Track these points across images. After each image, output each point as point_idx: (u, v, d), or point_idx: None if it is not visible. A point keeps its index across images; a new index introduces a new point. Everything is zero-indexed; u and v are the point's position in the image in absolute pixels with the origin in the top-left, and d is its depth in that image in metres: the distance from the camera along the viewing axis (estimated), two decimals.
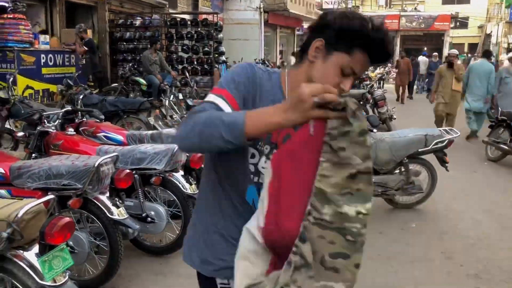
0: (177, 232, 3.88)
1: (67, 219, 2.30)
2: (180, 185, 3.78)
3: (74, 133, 4.21)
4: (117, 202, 3.27)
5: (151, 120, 7.01)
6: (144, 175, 3.74)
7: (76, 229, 3.17)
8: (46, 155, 4.02)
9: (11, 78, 6.73)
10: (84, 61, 10.43)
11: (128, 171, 3.44)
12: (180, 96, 9.30)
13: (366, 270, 3.64)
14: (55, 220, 2.25)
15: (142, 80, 10.59)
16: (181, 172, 3.86)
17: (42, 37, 9.66)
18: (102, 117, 4.88)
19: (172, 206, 3.86)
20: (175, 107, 5.86)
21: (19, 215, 2.12)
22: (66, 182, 3.09)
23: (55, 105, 7.95)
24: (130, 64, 12.05)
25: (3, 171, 3.24)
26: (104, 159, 3.15)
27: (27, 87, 8.92)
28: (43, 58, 9.36)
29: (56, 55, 9.76)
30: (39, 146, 4.07)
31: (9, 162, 3.32)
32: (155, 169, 3.70)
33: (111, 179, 3.27)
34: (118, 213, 3.19)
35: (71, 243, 3.09)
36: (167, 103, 5.76)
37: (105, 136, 4.59)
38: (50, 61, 9.58)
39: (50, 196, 2.30)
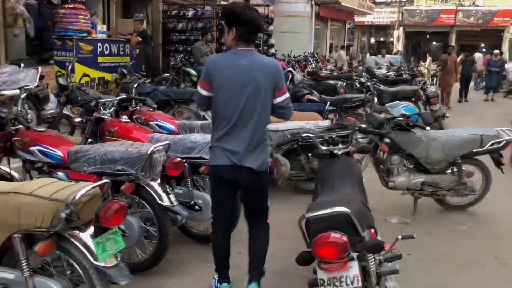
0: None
1: (120, 203, 2.35)
2: None
3: (128, 120, 4.34)
4: (168, 189, 3.35)
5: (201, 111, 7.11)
6: (194, 164, 3.81)
7: (128, 214, 3.29)
8: (101, 141, 4.18)
9: (70, 66, 7.01)
10: (137, 51, 10.72)
11: (179, 159, 3.52)
12: None
13: (414, 270, 3.58)
14: (110, 204, 2.31)
15: (192, 71, 10.75)
16: None
17: (99, 27, 10.00)
18: (155, 106, 5.01)
19: None
20: None
21: (77, 197, 2.21)
22: (120, 167, 3.20)
23: (109, 93, 8.22)
24: (182, 55, 12.25)
25: (61, 155, 3.40)
26: (156, 146, 3.23)
27: (84, 74, 9.27)
28: (99, 47, 9.69)
29: (111, 44, 10.09)
30: (94, 132, 4.23)
31: (67, 146, 3.48)
32: (204, 158, 3.75)
33: (163, 167, 3.35)
34: (168, 200, 3.27)
35: (122, 226, 3.20)
36: None
37: (157, 125, 4.71)
38: (106, 50, 9.91)
39: (105, 181, 2.39)
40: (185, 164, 3.78)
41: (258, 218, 3.08)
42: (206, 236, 3.99)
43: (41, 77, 6.00)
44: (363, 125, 4.22)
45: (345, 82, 9.88)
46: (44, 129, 3.62)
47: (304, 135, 3.32)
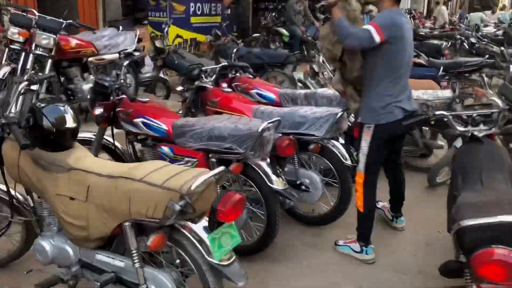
0: (331, 204, 3.60)
1: (238, 196, 2.10)
2: (339, 155, 3.46)
3: (230, 90, 4.08)
4: (278, 171, 3.06)
5: (296, 75, 6.72)
6: (301, 141, 3.48)
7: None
8: (202, 112, 3.97)
9: (166, 28, 6.88)
10: (229, 11, 10.42)
11: (291, 138, 3.19)
12: None
13: None
14: (227, 196, 2.07)
15: (284, 31, 10.30)
16: (342, 141, 3.53)
17: None
18: (255, 74, 4.69)
19: (328, 176, 3.57)
20: (325, 62, 5.47)
21: (192, 188, 1.96)
22: (228, 145, 2.95)
23: (202, 55, 8.06)
24: (273, 14, 11.78)
25: (166, 128, 3.21)
26: (267, 124, 2.92)
27: (177, 36, 9.18)
28: (192, 6, 9.51)
29: (204, 4, 9.86)
30: (196, 101, 4.03)
31: (172, 118, 3.28)
32: (313, 135, 3.41)
33: (273, 146, 3.04)
34: (278, 183, 2.99)
35: None
36: (320, 59, 5.36)
37: (257, 93, 4.40)
38: (198, 10, 9.72)
39: (221, 168, 2.12)
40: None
41: (397, 159, 3.48)
42: (312, 219, 3.70)
43: (139, 40, 5.90)
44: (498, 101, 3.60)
45: (449, 43, 8.92)
46: (147, 99, 3.44)
47: (437, 113, 2.82)
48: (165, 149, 3.20)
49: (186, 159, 3.09)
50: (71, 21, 4.67)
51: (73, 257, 2.39)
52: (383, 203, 3.72)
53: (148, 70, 6.75)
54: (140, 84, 6.39)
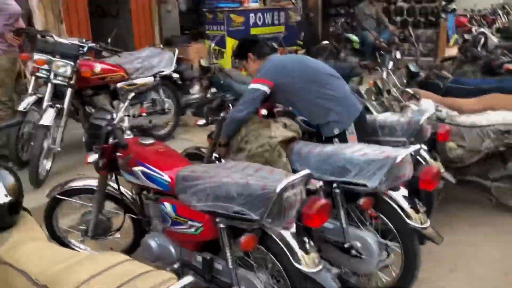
0: (393, 274, 2.70)
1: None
2: (399, 211, 2.56)
3: (265, 119, 3.31)
4: (307, 243, 2.22)
5: (362, 89, 5.79)
6: (348, 191, 2.63)
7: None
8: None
9: (213, 44, 6.28)
10: (300, 18, 9.68)
11: (326, 202, 2.29)
12: (398, 55, 7.77)
13: None
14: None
15: (354, 37, 9.34)
16: (403, 192, 2.62)
17: None
18: None
19: (387, 238, 2.68)
20: (393, 76, 4.52)
21: None
22: (238, 209, 2.18)
23: None
24: (343, 20, 10.83)
25: (168, 180, 2.51)
26: (290, 181, 2.11)
27: None
28: (252, 17, 8.86)
29: (265, 13, 9.18)
30: None
31: (179, 167, 2.58)
32: (364, 185, 2.54)
33: (298, 211, 2.21)
34: (308, 262, 2.16)
35: None
36: (384, 75, 4.42)
37: (303, 121, 3.58)
38: (259, 20, 9.05)
39: (189, 279, 1.39)
40: (336, 190, 2.63)
41: None
42: None
43: (179, 60, 5.32)
44: None
45: None
46: (152, 141, 2.78)
47: None
48: (167, 207, 2.50)
49: (190, 222, 2.37)
50: (93, 44, 4.17)
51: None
52: None
53: (197, 90, 6.18)
54: (187, 106, 5.83)
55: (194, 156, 3.55)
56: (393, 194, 2.59)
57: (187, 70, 5.90)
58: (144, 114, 4.57)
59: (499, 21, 13.03)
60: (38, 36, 4.34)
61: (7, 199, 1.73)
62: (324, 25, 12.07)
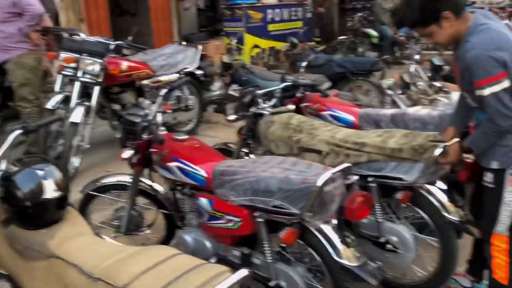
0: (430, 269, 2.68)
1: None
2: (437, 205, 2.54)
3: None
4: (348, 237, 2.21)
5: (384, 83, 5.76)
6: (385, 185, 2.61)
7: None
8: (259, 144, 3.24)
9: (235, 41, 6.27)
10: (311, 14, 9.62)
11: (367, 195, 2.30)
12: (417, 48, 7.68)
13: None
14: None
15: (373, 32, 9.26)
16: (442, 185, 2.59)
17: None
18: (329, 93, 3.84)
19: (424, 231, 2.66)
20: (421, 70, 4.47)
21: None
22: (278, 203, 2.18)
23: (279, 67, 7.36)
24: (360, 14, 10.74)
25: (205, 175, 2.51)
26: (332, 173, 2.10)
27: (254, 46, 8.57)
28: (269, 13, 8.85)
29: (282, 9, 9.15)
30: (253, 130, 3.30)
31: (215, 162, 2.59)
32: (400, 179, 2.52)
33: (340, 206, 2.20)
34: (348, 256, 2.15)
35: None
36: (412, 69, 4.38)
37: (331, 116, 3.56)
38: (277, 16, 9.03)
39: (244, 273, 1.38)
40: (372, 184, 2.61)
41: None
42: (403, 287, 2.80)
43: (202, 57, 5.33)
44: None
45: None
46: (186, 137, 2.79)
47: None
48: (204, 201, 2.51)
49: (227, 217, 2.37)
50: (120, 42, 4.19)
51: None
52: None
53: (219, 86, 6.18)
54: (209, 103, 5.84)
55: (222, 152, 3.55)
56: (430, 187, 2.56)
57: (208, 67, 5.91)
58: (169, 111, 4.57)
59: None
60: (65, 34, 4.37)
61: (57, 193, 1.75)
62: (340, 20, 12.01)
